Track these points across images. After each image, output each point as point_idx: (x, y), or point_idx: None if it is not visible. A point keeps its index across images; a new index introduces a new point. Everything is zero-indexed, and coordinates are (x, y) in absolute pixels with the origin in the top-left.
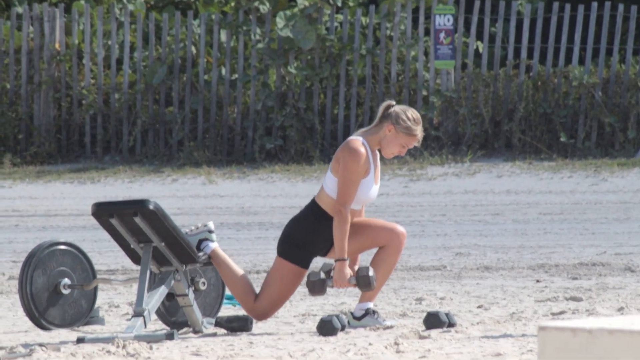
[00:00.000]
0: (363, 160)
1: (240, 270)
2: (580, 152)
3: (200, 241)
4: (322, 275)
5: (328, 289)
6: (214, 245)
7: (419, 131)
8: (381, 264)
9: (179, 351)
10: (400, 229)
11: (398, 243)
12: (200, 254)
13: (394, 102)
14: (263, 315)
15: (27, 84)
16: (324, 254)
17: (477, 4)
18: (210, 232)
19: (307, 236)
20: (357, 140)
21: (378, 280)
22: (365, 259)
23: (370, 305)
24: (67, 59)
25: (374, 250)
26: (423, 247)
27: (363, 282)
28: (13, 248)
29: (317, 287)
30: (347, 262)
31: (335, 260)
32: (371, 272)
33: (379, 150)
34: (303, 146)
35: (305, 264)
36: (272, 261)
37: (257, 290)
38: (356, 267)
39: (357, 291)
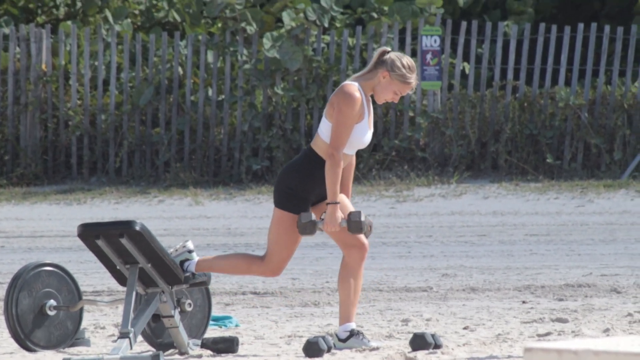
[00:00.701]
0: (358, 104)
1: (229, 254)
2: (567, 174)
3: (182, 262)
4: (314, 216)
5: (318, 231)
6: (196, 260)
7: (413, 79)
8: (346, 280)
9: None
10: (363, 240)
11: (358, 256)
12: (187, 274)
13: (389, 49)
14: (277, 270)
15: (13, 104)
16: (319, 200)
17: (463, 25)
18: (190, 252)
19: (303, 183)
20: (352, 85)
21: (349, 298)
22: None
23: (353, 325)
24: (54, 79)
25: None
26: (409, 268)
27: (354, 225)
28: None
29: (308, 228)
30: (338, 206)
31: (327, 203)
32: (363, 217)
33: (372, 96)
34: None
35: (302, 211)
36: (258, 283)
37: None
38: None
39: None
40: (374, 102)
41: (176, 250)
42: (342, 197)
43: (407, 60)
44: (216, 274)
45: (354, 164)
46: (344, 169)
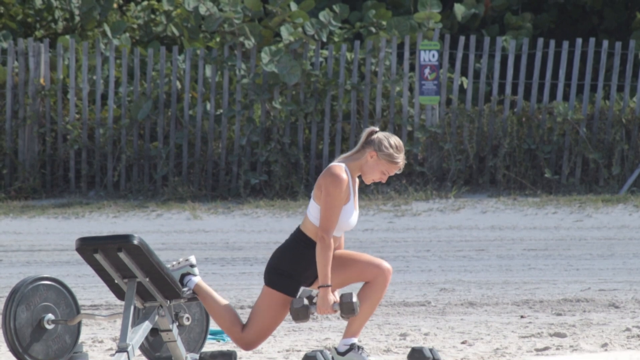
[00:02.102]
0: (344, 185)
1: (225, 302)
2: (565, 188)
3: (183, 276)
4: (305, 301)
5: (311, 316)
6: (197, 280)
7: (400, 159)
8: (366, 299)
9: None
10: (386, 265)
11: (383, 279)
12: (185, 289)
13: (377, 129)
14: (251, 345)
15: (11, 119)
16: (311, 282)
17: (461, 40)
18: (192, 266)
19: (293, 264)
20: (338, 166)
21: (362, 316)
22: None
23: (355, 340)
24: (52, 94)
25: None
26: (407, 283)
27: (347, 308)
28: None
29: (300, 314)
30: (330, 289)
31: (319, 287)
32: (354, 299)
33: (359, 177)
34: (288, 181)
35: (292, 293)
36: (256, 296)
37: (244, 320)
38: (337, 293)
39: (342, 326)
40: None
41: (179, 263)
42: (344, 253)
43: (394, 140)
44: (215, 288)
45: (343, 246)
46: (334, 251)
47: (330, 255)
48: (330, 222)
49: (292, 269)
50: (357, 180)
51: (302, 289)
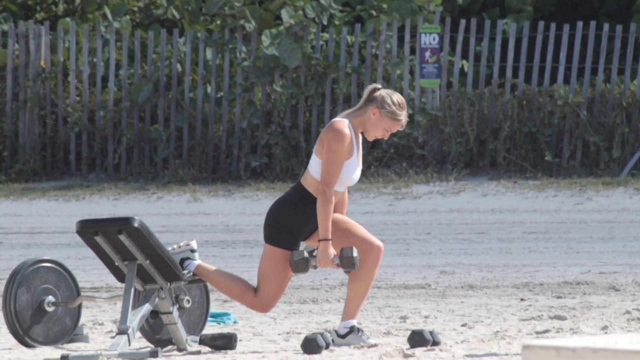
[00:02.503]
0: (347, 140)
1: (229, 274)
2: (565, 171)
3: (183, 260)
4: (305, 254)
5: (311, 270)
6: (197, 263)
7: (403, 116)
8: (358, 278)
9: None
10: (378, 243)
11: (374, 257)
12: (185, 271)
13: (379, 86)
14: (267, 306)
15: (12, 101)
16: (309, 236)
17: (462, 23)
18: (193, 251)
19: (293, 219)
20: (341, 121)
21: (357, 296)
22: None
23: (354, 322)
24: (53, 76)
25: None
26: (408, 266)
27: (347, 262)
28: None
29: (300, 265)
30: (330, 242)
31: (319, 240)
32: (355, 253)
33: (362, 133)
34: (288, 164)
35: (293, 247)
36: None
37: (253, 284)
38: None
39: (342, 309)
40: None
41: (179, 247)
42: (342, 223)
43: (397, 97)
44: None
45: (347, 201)
46: (335, 207)
47: (331, 209)
48: (331, 176)
49: (292, 224)
50: (360, 136)
51: (304, 245)
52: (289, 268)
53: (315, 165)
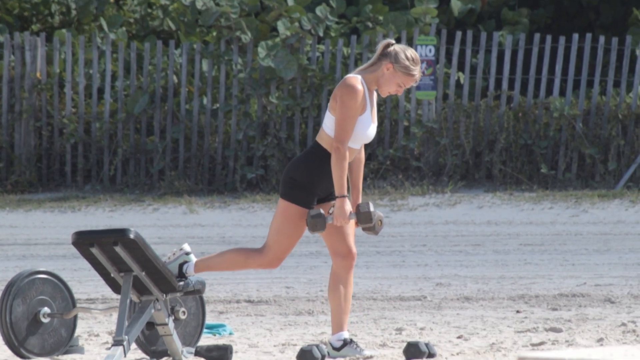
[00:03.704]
0: (360, 96)
1: (224, 251)
2: (561, 184)
3: (181, 265)
4: (322, 211)
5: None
6: (193, 262)
7: (417, 71)
8: (336, 289)
9: None
10: (354, 250)
11: (347, 264)
12: (181, 283)
13: (393, 41)
14: (276, 261)
15: (7, 112)
16: (325, 195)
17: (458, 35)
18: (187, 254)
19: (309, 176)
20: (354, 77)
21: (340, 306)
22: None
23: (346, 334)
24: (49, 87)
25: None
26: (403, 277)
27: (364, 217)
28: None
29: (318, 223)
30: (347, 199)
31: (336, 196)
32: (372, 208)
33: (376, 90)
34: None
35: (309, 205)
36: (252, 291)
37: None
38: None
39: None
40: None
41: (173, 254)
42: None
43: (411, 52)
44: (211, 282)
45: (363, 160)
46: (352, 165)
47: (346, 165)
48: (345, 132)
49: (307, 181)
50: (374, 92)
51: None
52: (301, 225)
53: (329, 122)
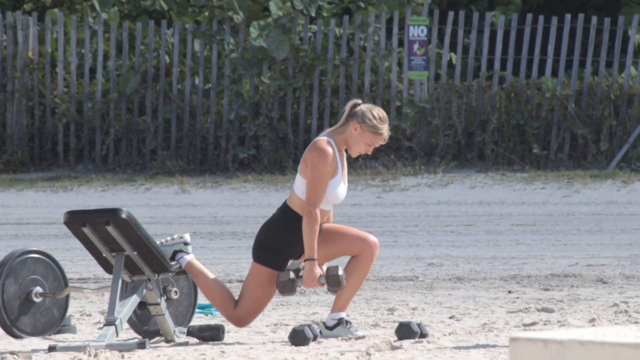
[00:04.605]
0: (330, 159)
1: (217, 280)
2: (553, 164)
3: (175, 252)
4: (292, 275)
5: (298, 289)
6: (189, 257)
7: (385, 129)
8: (353, 273)
9: None
10: (373, 239)
11: (370, 253)
12: (173, 263)
13: (360, 101)
14: (244, 321)
15: (0, 92)
16: (298, 256)
17: (450, 16)
18: (186, 244)
19: (280, 240)
20: (323, 140)
21: (350, 290)
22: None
23: (343, 315)
24: (41, 67)
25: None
26: (395, 258)
27: (333, 281)
28: None
29: (287, 287)
30: (316, 262)
31: (305, 260)
32: (340, 271)
33: (346, 150)
34: (276, 156)
35: (281, 267)
36: (245, 270)
37: (236, 296)
38: (324, 267)
39: (330, 300)
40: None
41: (172, 239)
42: (332, 233)
43: (377, 111)
44: (203, 262)
45: (331, 220)
46: (322, 227)
47: (317, 228)
48: (316, 196)
49: (279, 245)
50: (344, 154)
51: (290, 261)
52: (272, 288)
53: (300, 185)
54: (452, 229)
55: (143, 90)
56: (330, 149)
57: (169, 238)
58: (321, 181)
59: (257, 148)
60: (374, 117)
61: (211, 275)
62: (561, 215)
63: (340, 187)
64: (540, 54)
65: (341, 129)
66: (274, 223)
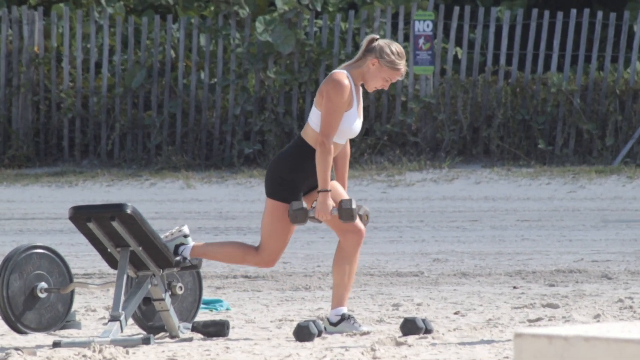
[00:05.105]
0: (347, 91)
1: (223, 242)
2: (558, 159)
3: (177, 246)
4: (305, 204)
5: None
6: (190, 245)
7: (402, 65)
8: (342, 265)
9: (155, 356)
10: (360, 226)
11: (355, 241)
12: (179, 258)
13: (377, 36)
14: (271, 261)
15: (5, 87)
16: (310, 191)
17: (456, 10)
18: (186, 236)
19: (293, 172)
20: (340, 72)
21: (343, 282)
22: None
23: (344, 310)
24: (46, 62)
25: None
26: (401, 253)
27: (345, 213)
28: None
29: (299, 216)
30: (329, 194)
31: (318, 191)
32: (354, 205)
33: (362, 86)
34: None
35: (295, 200)
36: (249, 267)
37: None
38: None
39: None
40: (364, 92)
41: (172, 234)
42: (334, 185)
43: (396, 46)
44: None
45: (349, 154)
46: (337, 160)
47: (330, 160)
48: (330, 127)
49: (292, 178)
50: (360, 88)
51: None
52: (289, 222)
53: (314, 118)
54: (457, 225)
55: (148, 85)
56: (346, 81)
57: (167, 233)
58: (336, 112)
59: (263, 143)
60: (392, 52)
61: (216, 244)
62: (566, 210)
63: (355, 120)
64: (546, 49)
65: (358, 64)
66: (288, 156)
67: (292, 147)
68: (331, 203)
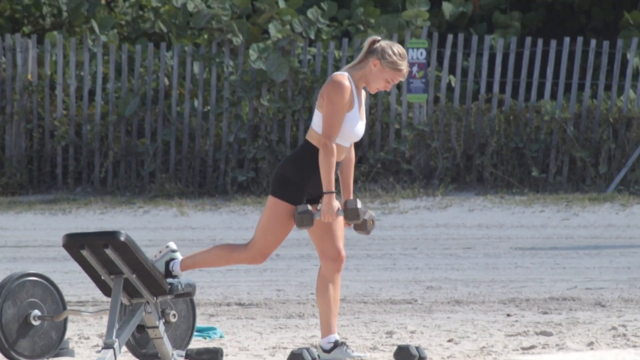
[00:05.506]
0: (347, 92)
1: (209, 248)
2: (552, 187)
3: (167, 263)
4: (310, 207)
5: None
6: (179, 259)
7: (404, 66)
8: (324, 291)
9: None
10: (343, 253)
11: (335, 267)
12: (171, 284)
13: (379, 37)
14: (260, 257)
15: None
16: (315, 192)
17: (449, 38)
18: (174, 251)
19: (300, 173)
20: (341, 74)
21: (328, 309)
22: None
23: (336, 336)
24: (40, 89)
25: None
26: (394, 281)
27: (351, 214)
28: None
29: (305, 219)
30: (334, 195)
31: (323, 193)
32: (359, 205)
33: (364, 88)
34: None
35: (298, 202)
36: (243, 294)
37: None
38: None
39: None
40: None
41: (160, 252)
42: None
43: (397, 47)
44: (201, 285)
45: (354, 160)
46: (342, 165)
47: (333, 162)
48: (332, 128)
49: (297, 178)
50: (362, 90)
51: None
52: (289, 222)
53: (317, 120)
54: (450, 252)
55: (142, 113)
56: (347, 83)
57: (156, 253)
58: (337, 113)
59: (256, 171)
60: (394, 53)
61: (202, 251)
62: (560, 238)
63: (357, 122)
64: (539, 77)
65: (360, 65)
66: (293, 157)
67: (299, 149)
68: (336, 204)
